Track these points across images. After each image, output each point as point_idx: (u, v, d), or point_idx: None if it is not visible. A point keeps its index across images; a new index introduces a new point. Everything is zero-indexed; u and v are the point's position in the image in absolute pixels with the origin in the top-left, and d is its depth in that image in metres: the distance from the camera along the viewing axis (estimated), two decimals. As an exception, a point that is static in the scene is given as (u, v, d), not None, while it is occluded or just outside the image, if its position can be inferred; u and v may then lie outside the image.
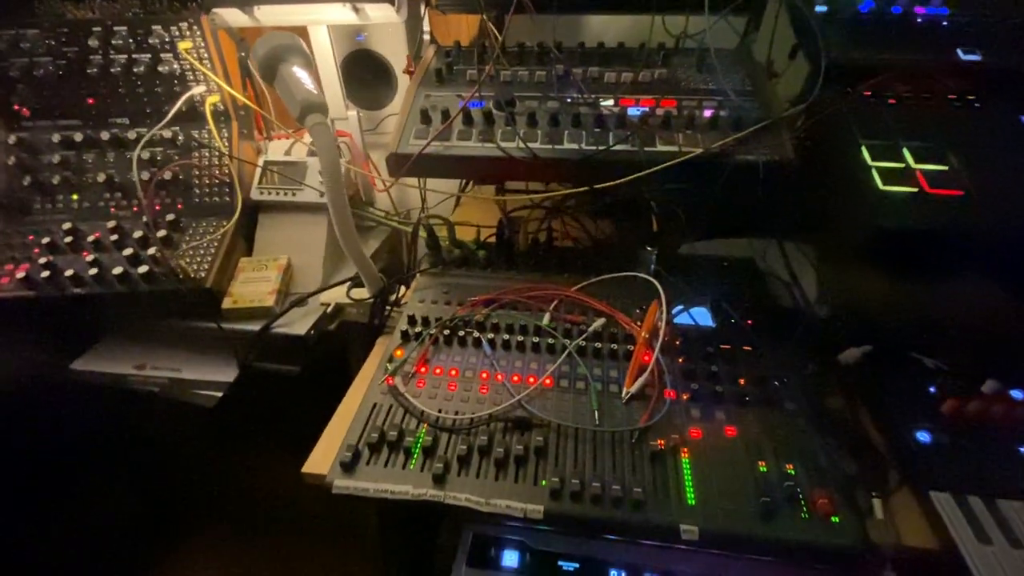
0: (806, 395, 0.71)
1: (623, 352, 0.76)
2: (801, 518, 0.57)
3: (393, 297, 0.92)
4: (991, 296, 0.75)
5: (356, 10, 0.97)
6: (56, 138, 1.00)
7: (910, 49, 0.88)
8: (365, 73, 1.33)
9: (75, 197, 1.00)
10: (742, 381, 0.72)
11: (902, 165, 0.68)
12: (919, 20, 0.92)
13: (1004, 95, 0.81)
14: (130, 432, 0.98)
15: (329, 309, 0.93)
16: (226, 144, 0.99)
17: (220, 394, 0.90)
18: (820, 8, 0.96)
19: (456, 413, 0.69)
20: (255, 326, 0.90)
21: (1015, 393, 0.70)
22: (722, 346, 0.77)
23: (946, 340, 0.77)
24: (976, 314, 0.76)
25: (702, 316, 0.83)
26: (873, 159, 0.69)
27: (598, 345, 0.77)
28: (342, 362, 0.97)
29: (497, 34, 1.06)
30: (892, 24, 0.92)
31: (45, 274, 0.89)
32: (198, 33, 0.94)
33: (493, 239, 0.97)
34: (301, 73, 0.77)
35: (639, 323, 0.80)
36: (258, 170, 1.03)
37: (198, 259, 0.92)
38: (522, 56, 0.98)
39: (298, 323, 0.91)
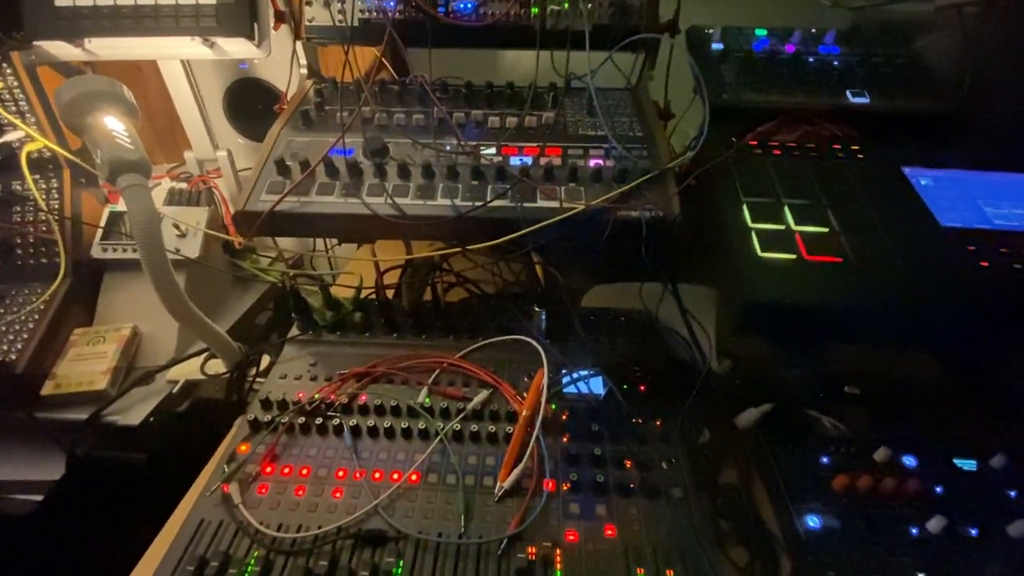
0: (697, 474, 0.65)
1: (503, 434, 0.68)
2: (677, 644, 0.50)
3: (255, 370, 0.81)
4: (879, 359, 0.73)
5: (209, 45, 0.86)
6: None
7: (800, 91, 0.86)
8: (254, 102, 1.21)
9: None
10: (628, 463, 0.65)
11: (782, 227, 0.64)
12: (811, 60, 0.91)
13: (889, 143, 0.79)
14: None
15: (176, 388, 0.81)
16: (55, 196, 0.85)
17: (39, 498, 0.75)
18: (716, 46, 0.93)
19: (299, 528, 0.58)
20: (84, 413, 0.76)
21: (907, 460, 0.67)
22: (610, 420, 0.71)
23: (840, 398, 0.74)
24: (866, 375, 0.73)
25: (594, 384, 0.76)
26: (754, 220, 0.65)
27: (475, 427, 0.68)
28: (202, 444, 0.84)
29: (392, 70, 0.97)
30: (784, 65, 0.90)
31: None
32: (8, 71, 0.80)
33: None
34: (115, 125, 0.65)
35: (525, 394, 0.72)
36: (102, 223, 0.89)
37: (11, 336, 0.77)
38: (402, 96, 0.89)
39: (136, 408, 0.77)
